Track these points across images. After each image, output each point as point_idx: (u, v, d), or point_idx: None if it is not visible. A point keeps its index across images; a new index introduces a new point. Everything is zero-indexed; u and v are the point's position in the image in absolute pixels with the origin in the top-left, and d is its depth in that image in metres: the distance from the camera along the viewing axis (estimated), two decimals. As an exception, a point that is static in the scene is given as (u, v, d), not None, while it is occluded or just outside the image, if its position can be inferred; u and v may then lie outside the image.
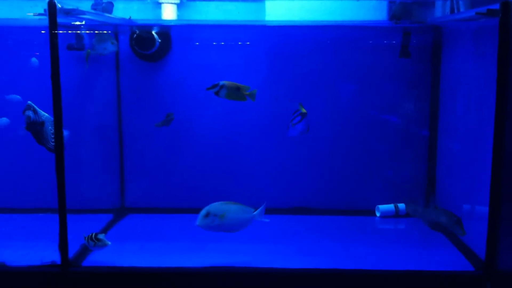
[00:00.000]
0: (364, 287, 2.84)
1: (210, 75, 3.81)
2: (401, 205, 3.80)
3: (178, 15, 3.70)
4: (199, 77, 3.83)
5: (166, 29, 3.79)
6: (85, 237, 2.92)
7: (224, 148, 3.88)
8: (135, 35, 3.75)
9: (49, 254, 2.87)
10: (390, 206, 3.81)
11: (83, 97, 3.72)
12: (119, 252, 3.07)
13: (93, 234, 2.91)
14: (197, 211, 3.86)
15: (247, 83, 3.79)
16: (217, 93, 2.99)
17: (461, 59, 3.41)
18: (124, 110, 3.91)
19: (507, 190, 2.65)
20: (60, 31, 2.77)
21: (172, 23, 3.74)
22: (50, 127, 2.98)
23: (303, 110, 3.02)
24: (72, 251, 2.92)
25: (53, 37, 2.74)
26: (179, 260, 2.98)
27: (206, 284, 2.86)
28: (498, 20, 2.62)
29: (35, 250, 3.10)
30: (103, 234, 2.94)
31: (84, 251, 3.03)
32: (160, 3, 3.66)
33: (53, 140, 2.93)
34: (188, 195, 3.93)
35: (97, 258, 2.97)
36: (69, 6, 2.86)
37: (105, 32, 3.42)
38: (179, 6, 3.69)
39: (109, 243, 2.91)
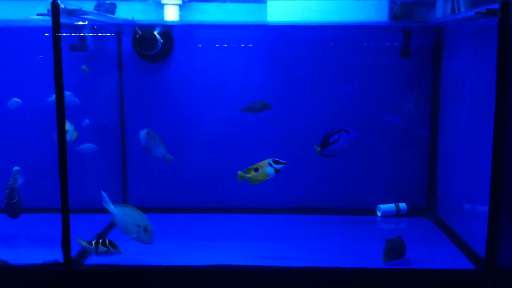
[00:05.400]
0: (366, 286, 2.85)
1: (212, 75, 3.83)
2: (402, 205, 3.81)
3: (180, 16, 3.71)
4: (201, 77, 3.85)
5: (168, 30, 3.81)
6: (90, 242, 2.83)
7: (226, 148, 3.89)
8: (137, 35, 3.77)
9: (52, 253, 2.89)
10: (391, 206, 3.82)
11: (86, 98, 3.73)
12: (121, 250, 3.08)
13: (107, 240, 2.82)
14: (199, 211, 3.92)
15: (248, 82, 3.85)
16: None
17: (462, 59, 3.42)
18: (126, 110, 3.93)
19: (507, 189, 2.66)
20: (64, 33, 2.79)
21: (174, 24, 3.76)
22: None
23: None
24: (74, 250, 2.93)
25: (56, 38, 2.75)
26: (181, 258, 3.00)
27: (209, 282, 2.87)
28: (498, 20, 2.63)
29: (38, 249, 3.12)
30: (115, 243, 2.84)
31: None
32: (163, 4, 3.68)
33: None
34: (190, 195, 3.95)
35: (99, 257, 2.97)
36: (72, 6, 2.88)
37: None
38: (181, 6, 3.71)
39: (122, 251, 2.83)
